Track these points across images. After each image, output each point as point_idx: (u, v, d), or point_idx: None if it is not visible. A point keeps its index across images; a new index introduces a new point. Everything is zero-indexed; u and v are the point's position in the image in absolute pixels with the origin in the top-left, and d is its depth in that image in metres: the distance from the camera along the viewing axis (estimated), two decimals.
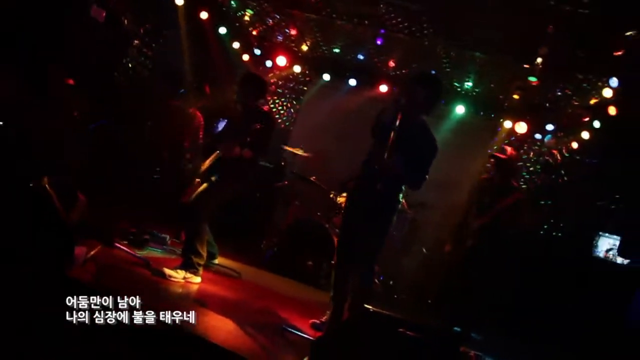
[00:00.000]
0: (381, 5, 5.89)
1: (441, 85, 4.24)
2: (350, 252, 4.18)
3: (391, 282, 7.12)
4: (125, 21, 7.34)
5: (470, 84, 7.49)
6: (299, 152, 7.05)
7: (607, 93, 5.85)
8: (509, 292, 6.52)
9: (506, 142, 7.78)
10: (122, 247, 4.79)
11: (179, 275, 4.50)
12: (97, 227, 4.98)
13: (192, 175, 5.17)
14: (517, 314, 6.48)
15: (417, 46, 6.65)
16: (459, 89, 7.79)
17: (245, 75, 5.01)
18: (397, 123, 3.87)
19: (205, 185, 4.72)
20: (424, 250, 7.43)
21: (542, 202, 7.52)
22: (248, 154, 4.64)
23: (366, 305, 3.03)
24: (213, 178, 4.70)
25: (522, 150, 7.78)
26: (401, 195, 4.28)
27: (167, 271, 4.47)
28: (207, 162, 4.87)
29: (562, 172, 7.59)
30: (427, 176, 4.23)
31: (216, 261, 5.46)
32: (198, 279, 4.64)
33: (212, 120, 5.31)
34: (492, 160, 5.82)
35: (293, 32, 7.80)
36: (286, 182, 7.19)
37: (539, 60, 5.67)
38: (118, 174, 5.89)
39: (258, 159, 4.87)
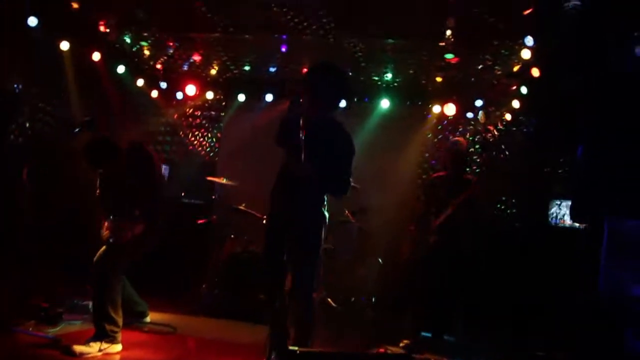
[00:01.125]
0: (274, 8, 5.45)
1: (337, 70, 3.79)
2: (280, 280, 3.66)
3: (352, 299, 6.63)
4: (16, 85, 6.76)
5: (389, 75, 7.13)
6: (223, 181, 6.52)
7: (526, 54, 5.56)
8: (478, 283, 6.11)
9: (456, 131, 7.48)
10: (24, 329, 4.12)
11: (92, 349, 3.86)
12: None
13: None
14: (489, 306, 6.08)
15: (324, 45, 6.23)
16: (379, 83, 7.42)
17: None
18: (301, 124, 3.41)
19: (104, 247, 4.12)
20: (380, 260, 6.96)
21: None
22: (139, 229, 4.09)
23: (292, 348, 2.50)
24: (111, 240, 4.10)
25: (457, 132, 7.45)
26: (325, 207, 3.78)
27: (78, 348, 3.81)
28: (105, 229, 4.28)
29: (502, 146, 7.30)
30: (350, 178, 3.77)
31: (147, 319, 4.87)
32: (117, 347, 4.01)
33: None
34: (448, 155, 5.47)
35: (197, 57, 7.31)
36: (214, 217, 6.61)
37: (449, 33, 5.33)
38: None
39: (156, 214, 4.28)
